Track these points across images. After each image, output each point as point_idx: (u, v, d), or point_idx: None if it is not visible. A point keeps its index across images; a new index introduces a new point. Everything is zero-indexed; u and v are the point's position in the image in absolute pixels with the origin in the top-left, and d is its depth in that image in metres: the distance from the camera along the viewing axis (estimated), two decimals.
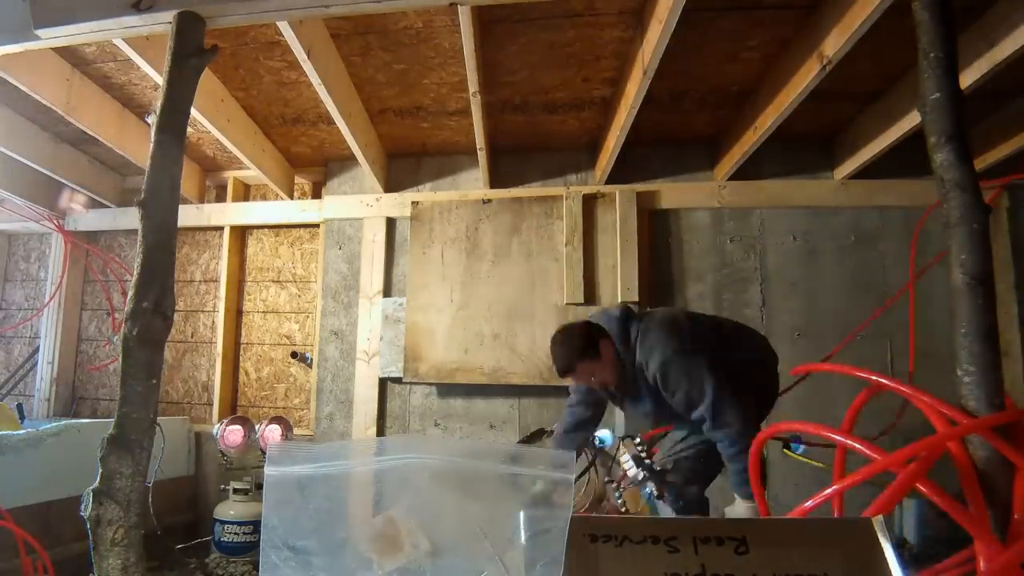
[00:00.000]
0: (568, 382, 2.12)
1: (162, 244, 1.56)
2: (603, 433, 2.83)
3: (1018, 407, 1.13)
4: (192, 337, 3.60)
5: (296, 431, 3.17)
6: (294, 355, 3.35)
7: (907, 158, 2.62)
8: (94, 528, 1.37)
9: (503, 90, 2.62)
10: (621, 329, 1.96)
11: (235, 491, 2.89)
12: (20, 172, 3.28)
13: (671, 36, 1.88)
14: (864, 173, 2.84)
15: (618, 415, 2.83)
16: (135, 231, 1.55)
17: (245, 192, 3.72)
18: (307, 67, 2.16)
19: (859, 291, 2.86)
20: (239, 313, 3.56)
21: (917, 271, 2.69)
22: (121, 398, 1.46)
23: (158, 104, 1.62)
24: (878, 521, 0.82)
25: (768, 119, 2.41)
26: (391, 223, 3.27)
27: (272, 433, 2.91)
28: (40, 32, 1.82)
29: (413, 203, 3.19)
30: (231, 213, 3.54)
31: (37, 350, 3.68)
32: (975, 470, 1.08)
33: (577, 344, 1.92)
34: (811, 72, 2.06)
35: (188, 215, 3.48)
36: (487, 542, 1.21)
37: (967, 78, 1.99)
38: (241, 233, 3.62)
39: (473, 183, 3.24)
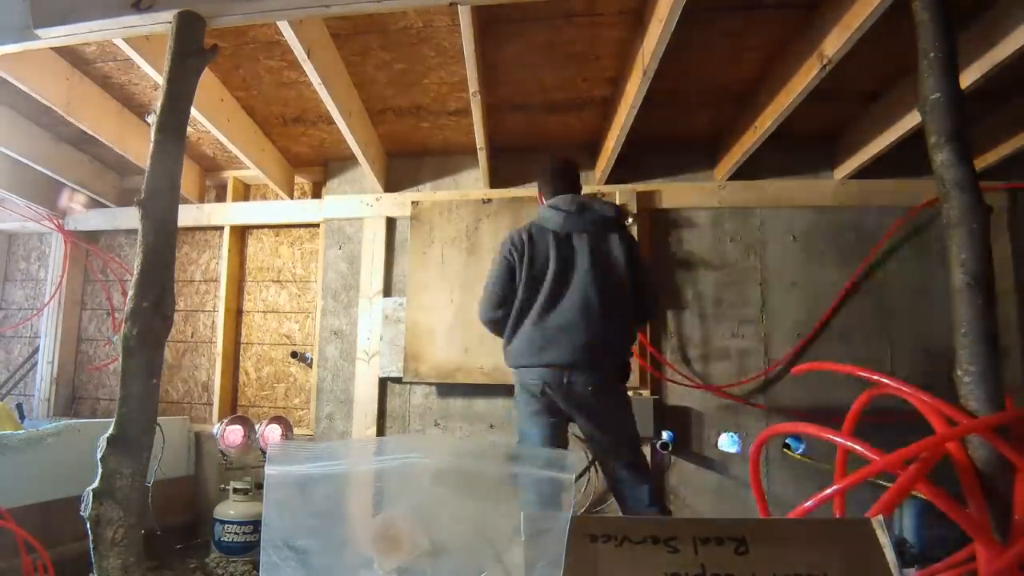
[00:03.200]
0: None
1: (162, 244, 1.56)
2: None
3: (1018, 407, 1.13)
4: (192, 337, 3.60)
5: (296, 431, 3.17)
6: (294, 355, 3.36)
7: (907, 158, 2.62)
8: (94, 528, 1.37)
9: (503, 90, 2.62)
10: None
11: (235, 491, 2.89)
12: (20, 172, 3.28)
13: (671, 36, 1.88)
14: (864, 173, 2.84)
15: None
16: (135, 231, 1.55)
17: (245, 192, 3.72)
18: (307, 67, 2.16)
19: (859, 290, 2.86)
20: (239, 313, 3.56)
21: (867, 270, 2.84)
22: (121, 398, 1.46)
23: (158, 104, 1.62)
24: (878, 521, 0.82)
25: (768, 119, 2.41)
26: (391, 223, 3.27)
27: (272, 433, 2.91)
28: (40, 32, 1.82)
29: (413, 203, 3.19)
30: (231, 213, 3.54)
31: (37, 350, 3.68)
32: (975, 470, 1.08)
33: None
34: (811, 72, 2.06)
35: (188, 215, 3.48)
36: (487, 542, 1.21)
37: (967, 78, 1.99)
38: (241, 233, 3.62)
39: (473, 183, 3.24)
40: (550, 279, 2.00)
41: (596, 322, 1.95)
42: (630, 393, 2.84)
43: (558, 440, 2.03)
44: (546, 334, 1.97)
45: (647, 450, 2.83)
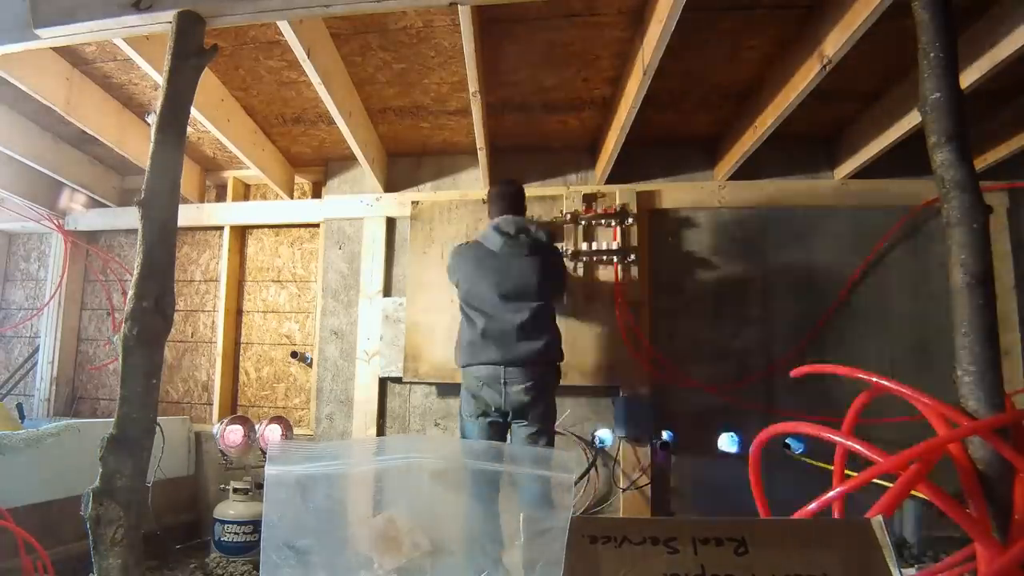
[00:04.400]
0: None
1: (162, 244, 1.55)
2: (603, 433, 2.83)
3: (1018, 408, 1.13)
4: (192, 337, 3.60)
5: (296, 431, 3.17)
6: (294, 355, 3.36)
7: (907, 158, 2.62)
8: (94, 528, 1.37)
9: (503, 90, 2.62)
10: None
11: (235, 491, 2.89)
12: (20, 172, 3.28)
13: (671, 36, 1.88)
14: (864, 173, 2.84)
15: (618, 415, 2.83)
16: (135, 231, 1.55)
17: (245, 192, 3.72)
18: (307, 67, 2.16)
19: (859, 291, 2.86)
20: (239, 313, 3.56)
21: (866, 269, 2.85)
22: (121, 398, 1.46)
23: (158, 104, 1.62)
24: (877, 522, 0.82)
25: (768, 119, 2.41)
26: (391, 223, 3.27)
27: (272, 433, 2.91)
28: (40, 32, 1.82)
29: (413, 203, 3.19)
30: (231, 213, 3.54)
31: (37, 350, 3.68)
32: (975, 471, 1.08)
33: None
34: (811, 72, 2.06)
35: (188, 215, 3.48)
36: (487, 542, 1.21)
37: (967, 78, 1.99)
38: (241, 233, 3.62)
39: (473, 183, 3.24)
40: (485, 293, 2.29)
41: (524, 331, 2.23)
42: (630, 393, 2.85)
43: (495, 437, 2.29)
44: (484, 340, 2.25)
45: (647, 449, 2.83)
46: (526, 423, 2.24)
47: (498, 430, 2.30)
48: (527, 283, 2.28)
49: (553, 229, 3.01)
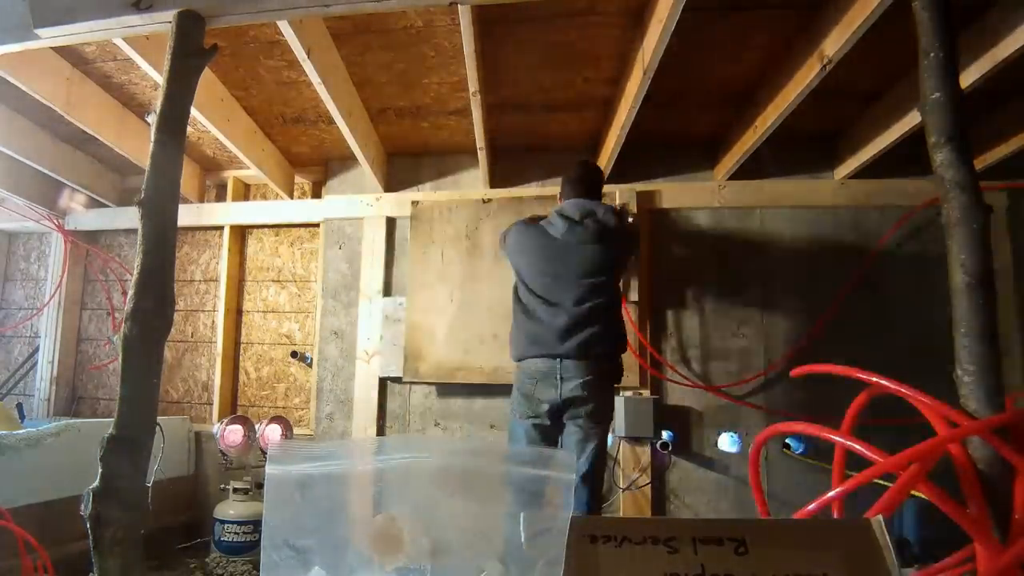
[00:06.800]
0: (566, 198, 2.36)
1: (162, 244, 1.55)
2: None
3: (1018, 408, 1.13)
4: (192, 337, 3.60)
5: (296, 431, 3.17)
6: (294, 355, 3.36)
7: (907, 158, 2.62)
8: (94, 528, 1.37)
9: (503, 90, 2.62)
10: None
11: (235, 491, 2.89)
12: (20, 172, 3.28)
13: (671, 36, 1.88)
14: (864, 173, 2.84)
15: (618, 415, 2.83)
16: (135, 231, 1.55)
17: (245, 191, 3.72)
18: (307, 67, 2.16)
19: (859, 291, 2.86)
20: (239, 313, 3.56)
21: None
22: (121, 398, 1.46)
23: (158, 104, 1.62)
24: (877, 522, 0.82)
25: (768, 119, 2.41)
26: (391, 223, 3.27)
27: (272, 433, 2.91)
28: (40, 31, 1.82)
29: (413, 203, 3.19)
30: (231, 212, 3.54)
31: (37, 350, 3.68)
32: (975, 471, 1.08)
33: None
34: (811, 72, 2.06)
35: (188, 215, 3.48)
36: (487, 542, 1.21)
37: (967, 78, 1.99)
38: (241, 233, 3.62)
39: (473, 183, 3.24)
40: (543, 282, 2.21)
41: (583, 324, 2.13)
42: (630, 393, 2.86)
43: (543, 442, 2.17)
44: (542, 331, 2.16)
45: (647, 449, 2.83)
46: (580, 420, 2.13)
47: (547, 435, 2.18)
48: (588, 272, 2.16)
49: None
